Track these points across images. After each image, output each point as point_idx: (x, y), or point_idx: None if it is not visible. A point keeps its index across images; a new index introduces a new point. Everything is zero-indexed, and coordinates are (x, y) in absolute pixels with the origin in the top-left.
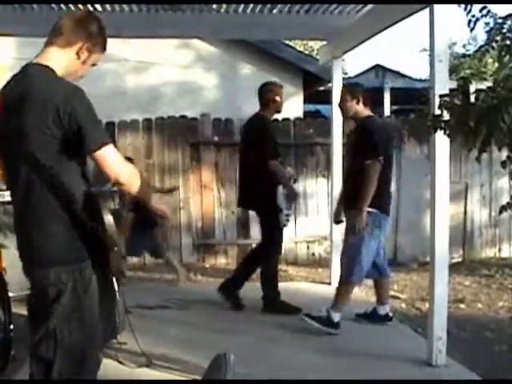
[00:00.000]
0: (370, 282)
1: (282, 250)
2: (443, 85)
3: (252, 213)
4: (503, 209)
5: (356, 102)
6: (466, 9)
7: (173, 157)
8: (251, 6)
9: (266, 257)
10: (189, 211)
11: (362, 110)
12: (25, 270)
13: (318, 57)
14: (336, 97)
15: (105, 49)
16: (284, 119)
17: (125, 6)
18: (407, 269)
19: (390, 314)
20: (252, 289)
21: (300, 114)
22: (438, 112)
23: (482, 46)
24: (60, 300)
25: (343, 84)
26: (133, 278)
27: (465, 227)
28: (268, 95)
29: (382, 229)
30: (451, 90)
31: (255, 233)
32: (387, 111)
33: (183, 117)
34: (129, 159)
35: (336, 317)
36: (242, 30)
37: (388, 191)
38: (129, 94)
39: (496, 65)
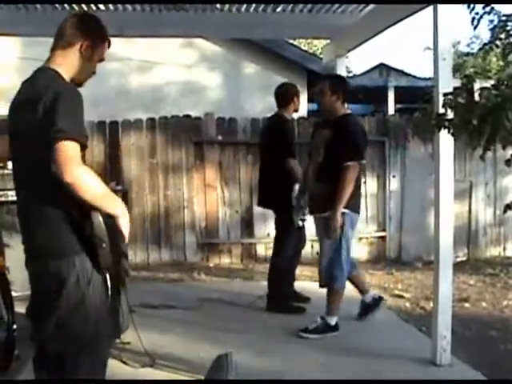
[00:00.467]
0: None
1: None
2: (447, 83)
3: (256, 212)
4: (508, 207)
5: (336, 97)
6: (469, 7)
7: (176, 156)
8: (254, 5)
9: (278, 254)
10: (192, 210)
11: (340, 107)
12: (26, 264)
13: (321, 56)
14: None
15: (108, 42)
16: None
17: (128, 6)
18: (411, 268)
19: (377, 296)
20: (257, 287)
21: (304, 113)
22: (441, 111)
23: (485, 44)
24: (62, 293)
25: (325, 76)
26: (137, 278)
27: (469, 226)
28: (288, 96)
29: (355, 228)
30: (455, 89)
31: (259, 232)
32: (391, 110)
33: (187, 116)
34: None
35: (332, 320)
36: (245, 29)
37: (359, 190)
38: (132, 94)
39: (500, 63)
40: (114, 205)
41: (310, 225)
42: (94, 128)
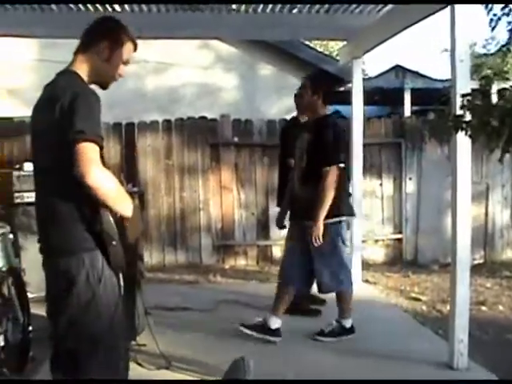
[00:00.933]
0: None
1: None
2: (465, 85)
3: (272, 214)
4: None
5: (317, 97)
6: (486, 7)
7: (192, 158)
8: (271, 5)
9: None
10: (208, 212)
11: (320, 107)
12: (42, 263)
13: (337, 58)
14: (356, 98)
15: (133, 44)
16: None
17: (144, 7)
18: (428, 270)
19: (280, 330)
20: (273, 289)
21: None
22: (459, 112)
23: (503, 46)
24: (72, 291)
25: (305, 76)
26: (152, 280)
27: (486, 228)
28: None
29: (345, 239)
30: (473, 90)
31: (275, 234)
32: (407, 112)
33: (203, 118)
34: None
35: (348, 323)
36: (261, 30)
37: (347, 194)
38: (148, 96)
39: None
40: (126, 206)
41: None
42: (109, 129)
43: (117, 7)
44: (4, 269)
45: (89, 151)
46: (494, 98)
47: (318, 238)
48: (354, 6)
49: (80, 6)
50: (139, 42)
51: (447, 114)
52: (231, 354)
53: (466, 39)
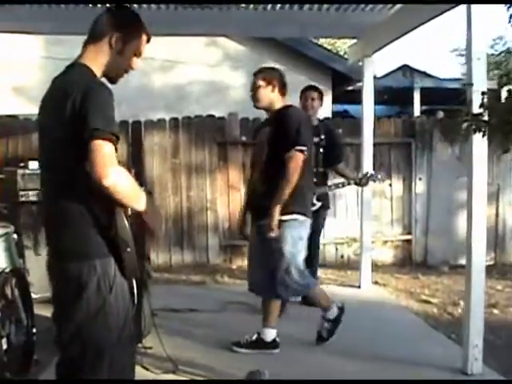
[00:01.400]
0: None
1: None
2: (481, 83)
3: None
4: None
5: (271, 88)
6: (506, 3)
7: (200, 156)
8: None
9: None
10: (216, 211)
11: (278, 98)
12: (48, 267)
13: (346, 56)
14: (367, 97)
15: (145, 36)
16: None
17: (152, 4)
18: (438, 272)
19: (278, 340)
20: None
21: (328, 114)
22: (477, 111)
23: None
24: (82, 298)
25: (255, 72)
26: (159, 280)
27: (496, 230)
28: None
29: (306, 239)
30: (490, 90)
31: None
32: (417, 111)
33: (210, 116)
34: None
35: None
36: (270, 27)
37: (310, 191)
38: (155, 93)
39: None
40: (141, 203)
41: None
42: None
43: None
44: (7, 270)
45: (105, 151)
46: None
47: (271, 229)
48: (365, 3)
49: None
50: None
51: (465, 113)
52: (238, 358)
53: (482, 37)
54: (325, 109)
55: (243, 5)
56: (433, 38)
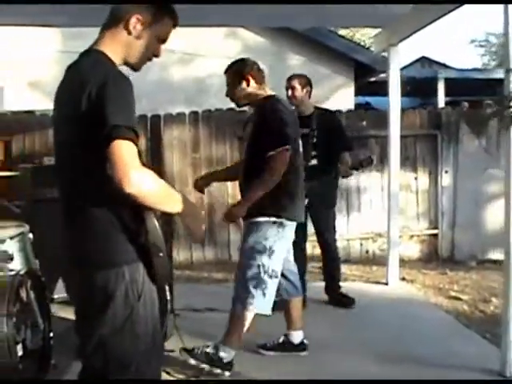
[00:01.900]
0: None
1: None
2: None
3: None
4: None
5: (246, 83)
6: None
7: (220, 150)
8: None
9: None
10: None
11: (256, 90)
12: (68, 273)
13: (369, 47)
14: (393, 88)
15: (170, 20)
16: (335, 111)
17: None
18: (466, 267)
19: (306, 342)
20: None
21: (351, 106)
22: None
23: None
24: (109, 307)
25: (228, 66)
26: (180, 278)
27: None
28: None
29: (287, 239)
30: None
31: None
32: (441, 102)
33: (231, 109)
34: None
35: (225, 354)
36: (290, 17)
37: (296, 191)
38: (175, 86)
39: None
40: (176, 204)
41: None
42: None
43: None
44: (22, 271)
45: (125, 152)
46: None
47: (232, 219)
48: None
49: None
50: None
51: (506, 104)
52: (263, 359)
53: None
54: (347, 101)
55: None
56: (449, 30)
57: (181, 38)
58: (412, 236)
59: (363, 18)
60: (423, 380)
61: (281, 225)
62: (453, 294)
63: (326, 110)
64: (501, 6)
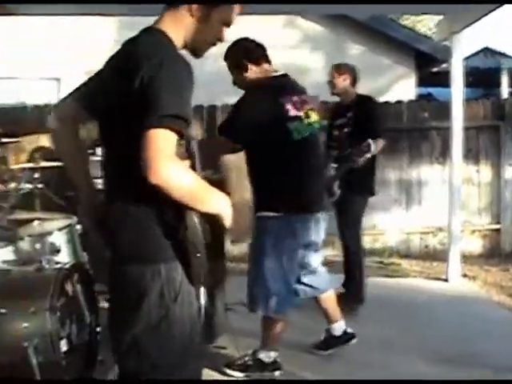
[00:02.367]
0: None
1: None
2: None
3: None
4: None
5: (245, 71)
6: None
7: None
8: None
9: None
10: None
11: (257, 74)
12: (107, 272)
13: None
14: (456, 78)
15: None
16: (396, 102)
17: None
18: None
19: (350, 330)
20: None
21: (412, 97)
22: None
23: None
24: (143, 306)
25: (224, 55)
26: (234, 270)
27: None
28: None
29: (298, 237)
30: None
31: (366, 222)
32: (505, 93)
33: None
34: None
35: (265, 356)
36: (348, 4)
37: (302, 182)
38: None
39: None
40: (210, 203)
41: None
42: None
43: None
44: (68, 265)
45: (159, 140)
46: None
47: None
48: None
49: None
50: None
51: None
52: (319, 358)
53: None
54: (408, 92)
55: None
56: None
57: (238, 28)
58: (474, 231)
59: (425, 4)
60: (486, 380)
61: (286, 219)
62: None
63: (365, 97)
64: None
